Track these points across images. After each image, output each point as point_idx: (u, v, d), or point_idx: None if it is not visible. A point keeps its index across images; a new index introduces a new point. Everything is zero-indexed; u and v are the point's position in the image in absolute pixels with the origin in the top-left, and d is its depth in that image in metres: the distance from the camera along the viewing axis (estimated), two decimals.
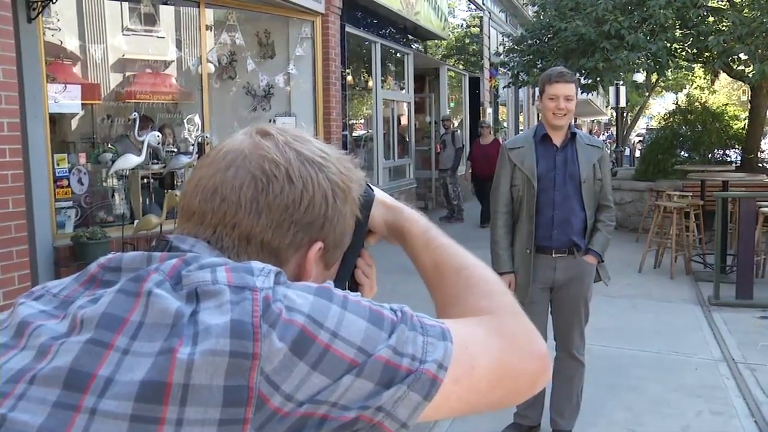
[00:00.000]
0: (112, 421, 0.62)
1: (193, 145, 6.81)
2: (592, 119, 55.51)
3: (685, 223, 8.05)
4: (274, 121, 8.24)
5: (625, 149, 23.68)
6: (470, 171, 12.16)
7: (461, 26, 16.72)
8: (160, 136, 6.35)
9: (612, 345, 5.25)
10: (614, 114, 24.36)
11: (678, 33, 10.80)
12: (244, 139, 0.84)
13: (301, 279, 0.84)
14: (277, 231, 0.81)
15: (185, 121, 7.24)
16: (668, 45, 10.56)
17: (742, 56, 10.27)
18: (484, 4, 18.12)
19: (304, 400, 0.66)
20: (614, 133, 25.50)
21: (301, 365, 0.66)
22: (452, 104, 17.32)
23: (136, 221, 6.49)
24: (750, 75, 10.15)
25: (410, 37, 12.10)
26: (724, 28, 10.38)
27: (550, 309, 3.51)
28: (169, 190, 6.34)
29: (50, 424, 0.62)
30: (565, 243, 3.32)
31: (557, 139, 3.38)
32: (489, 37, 18.52)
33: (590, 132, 46.20)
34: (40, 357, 0.67)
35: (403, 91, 12.38)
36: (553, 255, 3.32)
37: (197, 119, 7.13)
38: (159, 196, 6.80)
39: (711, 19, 10.88)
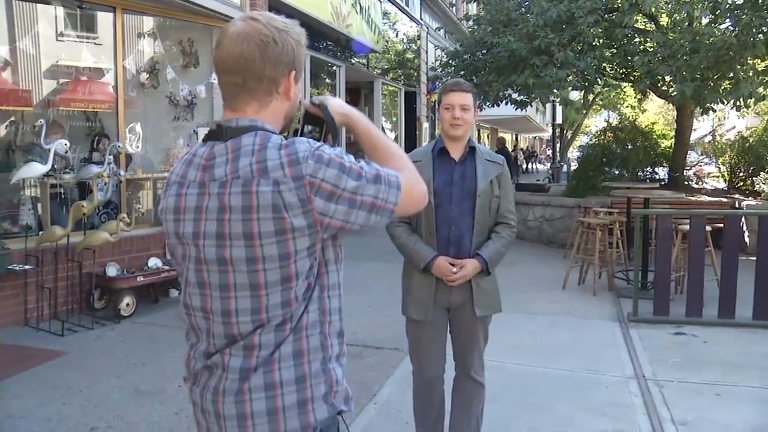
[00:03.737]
0: (271, 245, 1.43)
1: (110, 154, 6.54)
2: (534, 136, 56.60)
3: (609, 240, 8.13)
4: (197, 132, 8.02)
5: (562, 165, 24.02)
6: None
7: (402, 41, 16.75)
8: (68, 144, 6.06)
9: (526, 363, 5.19)
10: (554, 131, 24.79)
11: (606, 52, 11.00)
12: (244, 24, 1.52)
13: (289, 92, 1.58)
14: (275, 69, 1.52)
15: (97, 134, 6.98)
16: (597, 63, 10.74)
17: (666, 77, 10.51)
18: (421, 19, 18.21)
19: (339, 219, 1.47)
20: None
21: (332, 205, 1.44)
22: (394, 119, 17.31)
23: (41, 232, 6.19)
24: (673, 95, 10.40)
25: (343, 50, 11.99)
26: (649, 48, 10.61)
27: (449, 329, 3.41)
28: (76, 201, 6.04)
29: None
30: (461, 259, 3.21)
31: (455, 152, 3.29)
32: (427, 52, 18.61)
33: (529, 148, 47.03)
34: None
35: None
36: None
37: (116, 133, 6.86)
38: (69, 207, 6.49)
39: (637, 39, 11.12)
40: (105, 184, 6.09)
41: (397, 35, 16.45)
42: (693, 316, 6.28)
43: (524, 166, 39.33)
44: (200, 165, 1.52)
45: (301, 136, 1.63)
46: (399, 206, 1.54)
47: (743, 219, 9.41)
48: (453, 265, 3.16)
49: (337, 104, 1.71)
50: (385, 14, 15.19)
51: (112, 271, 6.47)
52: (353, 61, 12.67)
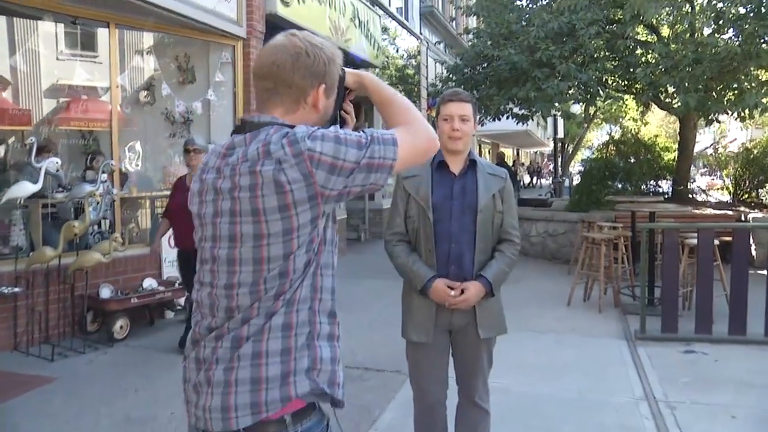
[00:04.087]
0: (276, 221, 1.56)
1: (104, 172, 6.40)
2: (535, 150, 56.50)
3: (614, 255, 7.96)
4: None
5: (564, 180, 23.89)
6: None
7: (402, 56, 16.68)
8: (59, 162, 5.91)
9: (532, 383, 5.01)
10: (556, 145, 24.68)
11: (608, 64, 10.88)
12: (282, 37, 1.69)
13: (317, 105, 1.69)
14: (304, 79, 1.65)
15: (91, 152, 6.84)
16: (599, 75, 10.62)
17: (669, 88, 10.38)
18: (421, 34, 18.15)
19: (339, 188, 1.57)
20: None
21: (333, 176, 1.54)
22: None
23: (31, 253, 6.04)
24: (676, 107, 10.26)
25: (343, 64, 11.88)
26: (651, 60, 10.49)
27: (451, 352, 3.24)
28: (68, 221, 5.89)
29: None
30: (462, 280, 3.05)
31: (455, 166, 3.13)
32: (427, 67, 18.54)
33: (534, 163, 46.89)
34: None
35: None
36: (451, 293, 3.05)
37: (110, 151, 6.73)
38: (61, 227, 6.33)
39: (639, 51, 11.01)
40: (97, 203, 5.94)
41: (397, 50, 16.39)
42: (702, 333, 6.09)
43: (524, 181, 39.22)
44: (220, 153, 1.69)
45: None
46: (400, 160, 1.64)
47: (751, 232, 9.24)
48: (452, 288, 3.00)
49: (349, 70, 1.85)
50: (385, 29, 15.12)
51: (105, 292, 6.30)
52: None
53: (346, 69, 1.83)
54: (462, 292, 2.99)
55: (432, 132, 1.74)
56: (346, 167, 1.56)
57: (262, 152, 1.57)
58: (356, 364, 5.41)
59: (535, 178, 42.85)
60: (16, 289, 5.71)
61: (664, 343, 6.03)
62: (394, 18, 15.42)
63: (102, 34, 6.90)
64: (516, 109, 12.35)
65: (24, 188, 5.71)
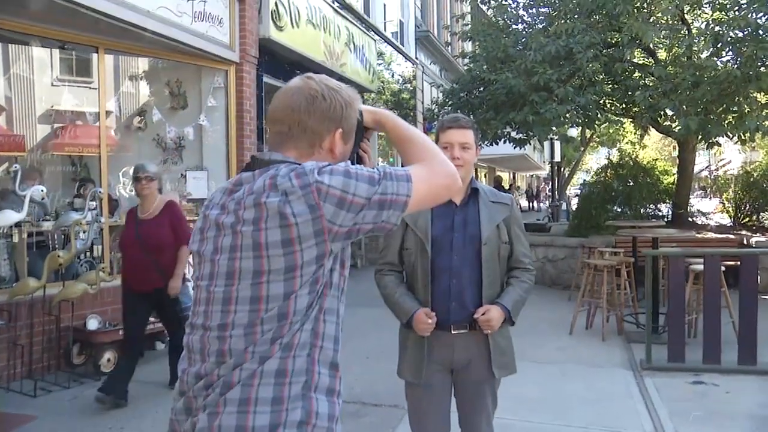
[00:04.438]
0: (278, 257, 1.48)
1: (92, 200, 6.22)
2: (531, 174, 56.47)
3: (616, 281, 7.77)
4: (185, 175, 7.71)
5: (562, 204, 23.73)
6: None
7: (397, 81, 16.60)
8: (45, 190, 5.72)
9: (536, 419, 4.79)
10: (553, 169, 24.57)
11: (607, 87, 10.76)
12: (298, 80, 1.66)
13: (333, 150, 1.65)
14: (320, 123, 1.62)
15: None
16: (597, 98, 10.50)
17: (668, 111, 10.27)
18: (417, 59, 18.11)
19: (348, 225, 1.50)
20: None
21: (342, 212, 1.48)
22: (391, 160, 17.06)
23: (14, 284, 5.82)
24: (676, 130, 10.13)
25: None
26: (650, 83, 10.39)
27: (453, 392, 3.03)
28: (52, 251, 5.69)
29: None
30: (465, 317, 2.85)
31: (456, 195, 2.96)
32: (423, 91, 18.47)
33: (533, 187, 46.74)
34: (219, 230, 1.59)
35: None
36: (452, 331, 2.85)
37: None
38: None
39: (637, 74, 10.91)
40: (83, 231, 5.74)
41: (392, 75, 16.30)
42: (711, 362, 5.88)
43: (521, 205, 39.06)
44: (227, 189, 1.64)
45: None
46: (415, 197, 1.56)
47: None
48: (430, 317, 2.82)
49: (366, 107, 1.80)
50: (380, 54, 15.05)
51: (92, 324, 6.07)
52: None
53: (363, 107, 1.78)
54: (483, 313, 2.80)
55: (451, 168, 1.65)
56: (356, 202, 1.49)
57: (268, 185, 1.50)
58: (353, 398, 5.19)
59: (535, 202, 42.67)
60: None
61: (671, 374, 5.82)
62: (389, 43, 15.36)
63: (91, 59, 6.75)
64: (513, 134, 12.22)
65: (7, 217, 5.53)
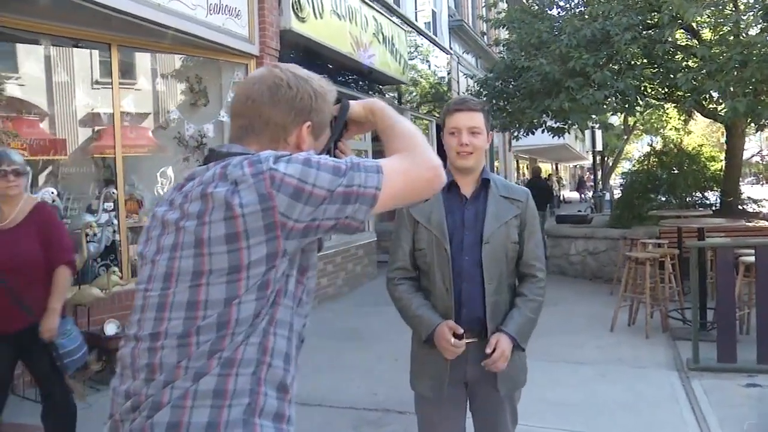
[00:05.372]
0: (220, 255, 1.28)
1: (107, 201, 6.05)
2: (575, 164, 55.45)
3: (660, 274, 7.32)
4: None
5: (605, 194, 23.09)
6: None
7: (433, 72, 16.23)
8: (55, 192, 5.56)
9: (572, 426, 4.43)
10: (595, 158, 23.94)
11: (646, 71, 10.23)
12: (264, 69, 1.52)
13: (301, 146, 1.48)
14: (284, 115, 1.46)
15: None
16: (636, 83, 9.98)
17: (714, 94, 9.70)
18: (451, 49, 17.70)
19: (305, 220, 1.30)
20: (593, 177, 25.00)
21: (299, 204, 1.28)
22: None
23: None
24: (722, 113, 9.57)
25: (367, 82, 11.47)
26: (693, 64, 9.84)
27: (469, 407, 2.72)
28: None
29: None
30: (476, 324, 2.53)
31: (466, 187, 2.63)
32: (458, 82, 18.07)
33: (580, 178, 45.65)
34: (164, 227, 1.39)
35: (360, 139, 11.70)
36: (464, 340, 2.53)
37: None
38: None
39: (679, 56, 10.35)
40: (94, 234, 5.56)
41: (429, 66, 15.94)
42: (766, 362, 5.42)
43: (564, 197, 38.25)
44: (179, 185, 1.45)
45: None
46: (387, 191, 1.36)
47: None
48: (458, 335, 2.48)
49: (356, 101, 1.66)
50: (415, 46, 14.72)
51: (110, 329, 5.88)
52: (379, 94, 12.15)
53: (354, 102, 1.64)
54: (494, 350, 2.47)
55: (434, 161, 1.44)
56: (316, 194, 1.30)
57: (218, 174, 1.33)
58: (375, 405, 4.89)
59: (581, 193, 41.68)
60: None
61: (721, 375, 5.39)
62: (421, 33, 14.98)
63: (140, 59, 6.60)
64: (551, 122, 11.78)
65: None
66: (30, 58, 6.33)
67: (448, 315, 2.54)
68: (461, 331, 2.48)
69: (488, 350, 2.45)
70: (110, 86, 6.35)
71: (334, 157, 1.56)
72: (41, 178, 6.20)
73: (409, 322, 2.64)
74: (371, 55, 9.20)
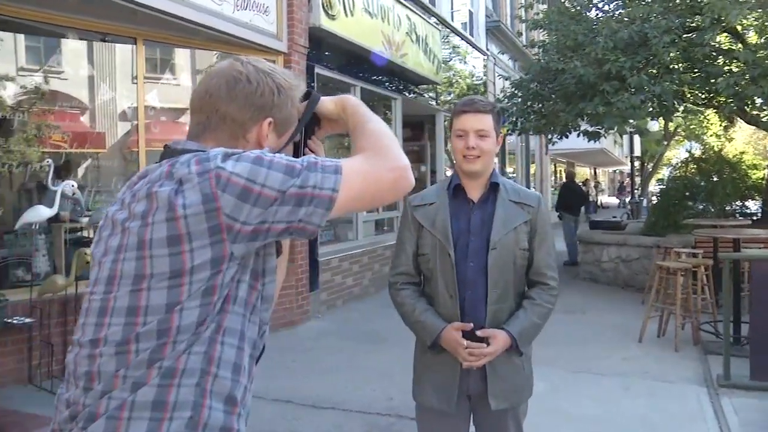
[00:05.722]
0: (162, 258, 1.20)
1: None
2: (613, 169, 54.57)
3: (693, 285, 7.07)
4: None
5: (642, 200, 22.66)
6: None
7: (471, 73, 16.07)
8: (75, 185, 5.56)
9: None
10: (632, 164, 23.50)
11: (686, 75, 9.92)
12: (224, 62, 1.43)
13: (261, 143, 1.39)
14: (242, 110, 1.37)
15: None
16: (675, 87, 9.69)
17: (757, 100, 9.36)
18: (488, 50, 17.50)
19: (253, 222, 1.22)
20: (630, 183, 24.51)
21: (246, 205, 1.20)
22: None
23: (42, 282, 5.68)
24: (765, 120, 9.24)
25: (399, 82, 11.36)
26: (735, 69, 9.51)
27: (472, 421, 2.59)
28: (80, 248, 5.50)
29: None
30: (477, 338, 2.40)
31: (474, 191, 2.50)
32: (494, 84, 17.85)
33: (621, 183, 44.79)
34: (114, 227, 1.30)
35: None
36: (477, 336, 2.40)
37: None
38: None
39: (720, 60, 10.01)
40: (87, 263, 5.53)
41: (466, 65, 15.77)
42: None
43: (601, 202, 37.61)
44: (131, 182, 1.37)
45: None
46: (346, 194, 1.27)
47: None
48: (471, 332, 2.37)
49: (329, 98, 1.57)
50: (454, 47, 14.57)
51: None
52: (414, 95, 12.02)
53: (326, 97, 1.55)
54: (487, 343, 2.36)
55: (399, 162, 1.35)
56: (266, 195, 1.22)
57: (165, 172, 1.26)
58: (389, 410, 4.77)
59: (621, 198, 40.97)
60: (27, 320, 5.34)
61: (753, 393, 5.15)
62: (456, 33, 14.81)
63: (166, 54, 6.62)
64: (585, 126, 11.52)
65: (38, 213, 5.39)
66: (65, 52, 6.38)
67: (454, 322, 2.42)
68: (470, 326, 2.36)
69: (479, 333, 2.36)
70: (135, 81, 6.34)
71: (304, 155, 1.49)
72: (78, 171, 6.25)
73: (412, 327, 2.54)
74: (382, 52, 9.05)
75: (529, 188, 2.84)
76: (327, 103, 1.54)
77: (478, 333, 2.36)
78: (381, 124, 1.47)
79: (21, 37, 6.14)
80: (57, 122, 6.18)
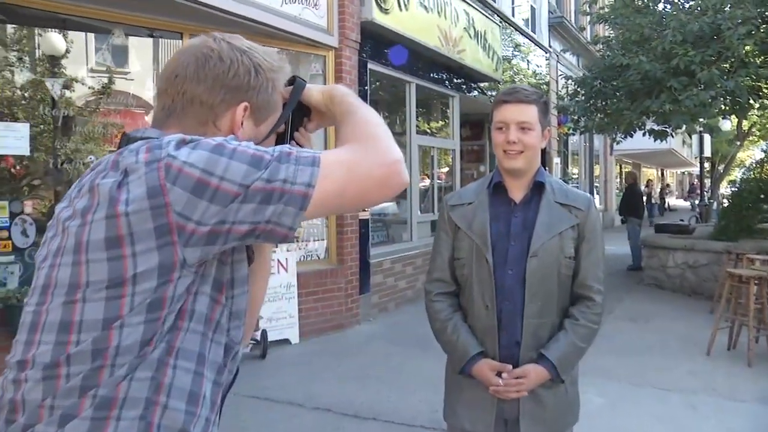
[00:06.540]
0: (99, 263, 1.00)
1: None
2: (682, 170, 52.79)
3: (767, 294, 6.57)
4: None
5: (713, 203, 21.69)
6: None
7: (534, 71, 15.64)
8: None
9: None
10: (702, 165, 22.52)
11: (763, 69, 9.31)
12: (197, 39, 1.22)
13: (235, 131, 1.19)
14: (212, 92, 1.17)
15: None
16: (750, 82, 9.10)
17: None
18: (550, 47, 17.00)
19: (209, 222, 1.01)
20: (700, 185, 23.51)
21: (201, 202, 1.00)
22: None
23: None
24: None
25: (457, 78, 11.05)
26: None
27: None
28: None
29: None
30: (515, 349, 2.13)
31: (516, 190, 2.23)
32: (557, 81, 17.34)
33: (691, 185, 43.25)
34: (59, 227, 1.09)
35: (448, 137, 11.29)
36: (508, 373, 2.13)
37: None
38: None
39: None
40: None
41: (528, 64, 15.35)
42: None
43: (669, 204, 36.33)
44: (82, 176, 1.18)
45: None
46: (324, 189, 1.06)
47: None
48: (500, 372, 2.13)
49: (317, 86, 1.36)
50: (516, 45, 14.19)
51: None
52: (472, 92, 11.70)
53: (313, 85, 1.34)
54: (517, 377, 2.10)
55: (391, 155, 1.13)
56: (225, 190, 1.01)
57: (111, 162, 1.07)
58: (433, 423, 4.52)
59: (692, 199, 39.55)
60: None
61: None
62: (517, 29, 14.40)
63: (175, 45, 6.52)
64: (652, 125, 10.99)
65: None
66: (126, 50, 6.38)
67: (490, 336, 2.16)
68: (508, 368, 2.12)
69: (505, 376, 2.11)
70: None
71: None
72: None
73: (443, 347, 2.29)
74: (396, 50, 8.75)
75: (592, 191, 2.54)
76: (313, 91, 1.33)
77: (508, 376, 2.11)
78: (372, 112, 1.25)
79: (85, 35, 6.12)
80: (121, 120, 6.18)
